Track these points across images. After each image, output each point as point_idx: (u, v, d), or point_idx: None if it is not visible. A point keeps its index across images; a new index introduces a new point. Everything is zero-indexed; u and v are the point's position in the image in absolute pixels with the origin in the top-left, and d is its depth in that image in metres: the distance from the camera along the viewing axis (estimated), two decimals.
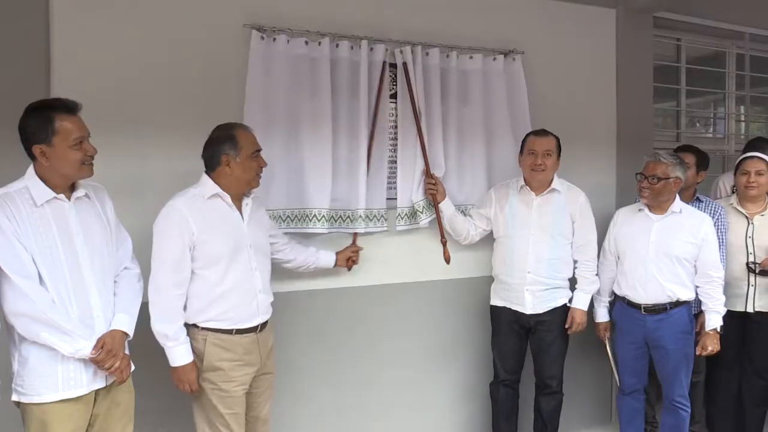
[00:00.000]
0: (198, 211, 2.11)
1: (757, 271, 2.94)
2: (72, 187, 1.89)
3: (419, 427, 3.07)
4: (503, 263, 2.86)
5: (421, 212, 2.89)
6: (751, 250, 2.97)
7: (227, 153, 2.12)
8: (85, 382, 1.85)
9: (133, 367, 2.00)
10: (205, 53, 2.53)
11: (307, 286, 2.77)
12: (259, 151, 2.21)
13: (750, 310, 2.97)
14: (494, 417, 3.00)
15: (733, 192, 3.23)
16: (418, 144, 2.86)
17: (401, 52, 2.81)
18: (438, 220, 2.93)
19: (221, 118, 2.26)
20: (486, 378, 3.04)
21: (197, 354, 2.13)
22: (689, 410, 2.81)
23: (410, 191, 2.89)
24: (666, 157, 2.73)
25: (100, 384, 1.89)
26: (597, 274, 2.86)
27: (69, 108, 1.82)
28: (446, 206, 2.90)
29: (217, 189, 2.14)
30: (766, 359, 3.03)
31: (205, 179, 2.16)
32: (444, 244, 2.99)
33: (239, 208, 2.20)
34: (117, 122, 2.36)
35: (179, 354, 2.08)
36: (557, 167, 2.81)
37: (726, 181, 3.54)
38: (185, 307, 2.12)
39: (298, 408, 2.81)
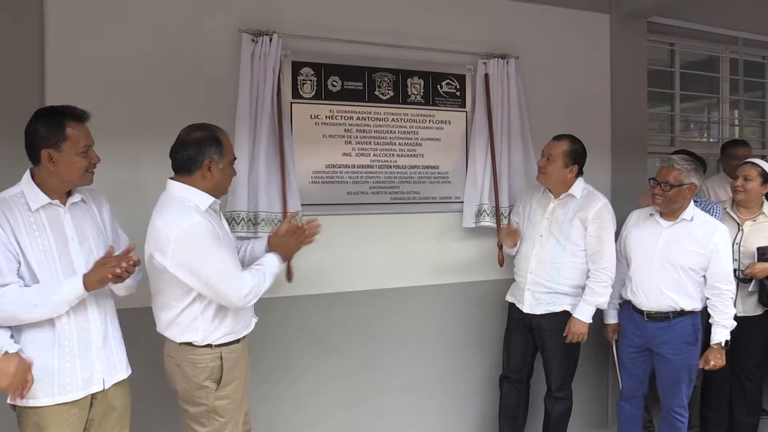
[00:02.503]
0: (213, 219, 2.00)
1: (739, 278, 2.92)
2: (68, 193, 1.89)
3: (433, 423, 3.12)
4: (516, 262, 2.96)
5: (488, 214, 3.07)
6: (736, 256, 2.92)
7: (212, 157, 1.98)
8: (81, 385, 1.85)
9: (129, 372, 2.00)
10: (200, 59, 2.55)
11: (310, 290, 2.79)
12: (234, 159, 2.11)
13: None
14: (499, 412, 3.05)
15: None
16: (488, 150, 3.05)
17: (485, 63, 3.05)
18: (497, 225, 3.06)
19: (220, 122, 2.25)
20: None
21: (214, 373, 2.01)
22: (686, 421, 2.77)
23: (480, 193, 3.05)
24: (680, 163, 2.62)
25: (96, 388, 1.89)
26: (607, 286, 2.71)
27: (78, 116, 1.84)
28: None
29: (209, 198, 2.01)
30: (750, 361, 3.06)
31: (195, 191, 1.99)
32: (500, 247, 3.10)
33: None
34: (113, 128, 2.36)
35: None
36: (567, 174, 2.74)
37: (710, 186, 3.55)
38: (197, 329, 1.99)
39: (299, 409, 2.82)
